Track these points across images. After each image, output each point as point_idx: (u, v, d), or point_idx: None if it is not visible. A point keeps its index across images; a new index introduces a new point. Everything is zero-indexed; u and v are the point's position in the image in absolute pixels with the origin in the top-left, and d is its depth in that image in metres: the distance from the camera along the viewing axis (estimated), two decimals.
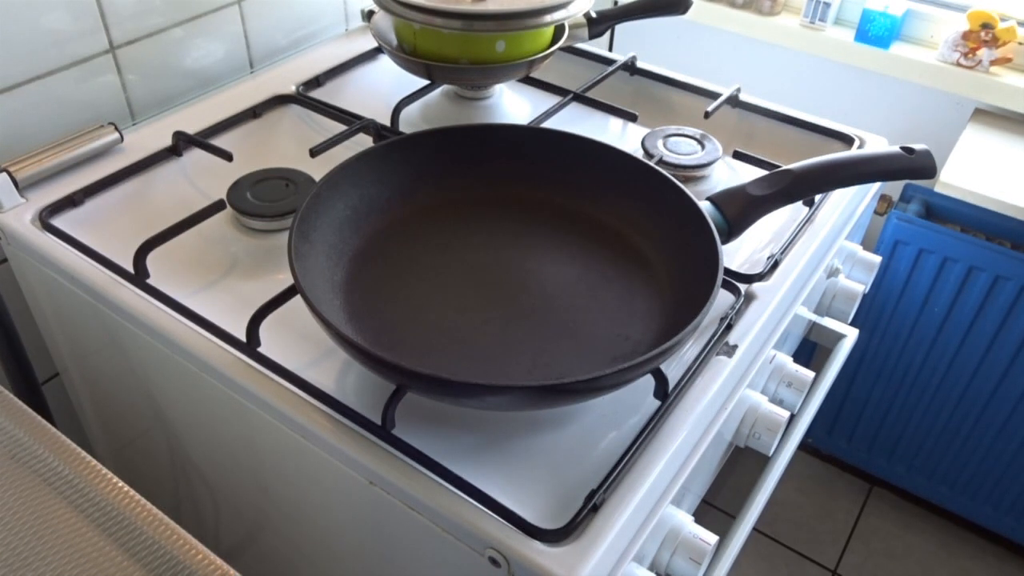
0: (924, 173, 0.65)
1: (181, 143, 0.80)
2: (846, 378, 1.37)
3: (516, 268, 0.64)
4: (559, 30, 0.86)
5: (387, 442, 0.53)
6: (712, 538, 0.57)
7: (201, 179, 0.78)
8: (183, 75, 0.88)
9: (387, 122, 0.82)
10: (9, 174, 0.72)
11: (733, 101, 0.90)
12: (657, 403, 0.57)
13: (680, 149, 0.80)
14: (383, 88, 0.92)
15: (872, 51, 1.24)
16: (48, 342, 0.81)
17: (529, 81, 0.93)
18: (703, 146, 0.81)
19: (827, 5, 1.26)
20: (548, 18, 0.78)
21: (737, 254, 0.72)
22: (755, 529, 1.39)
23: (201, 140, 0.79)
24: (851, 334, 0.85)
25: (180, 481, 0.79)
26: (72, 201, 0.73)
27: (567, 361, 0.57)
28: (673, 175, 0.65)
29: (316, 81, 0.92)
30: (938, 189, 1.08)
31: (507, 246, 0.66)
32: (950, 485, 1.39)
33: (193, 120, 0.83)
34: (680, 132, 0.82)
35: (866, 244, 0.93)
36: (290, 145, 0.83)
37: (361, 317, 0.59)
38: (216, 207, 0.69)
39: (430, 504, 0.50)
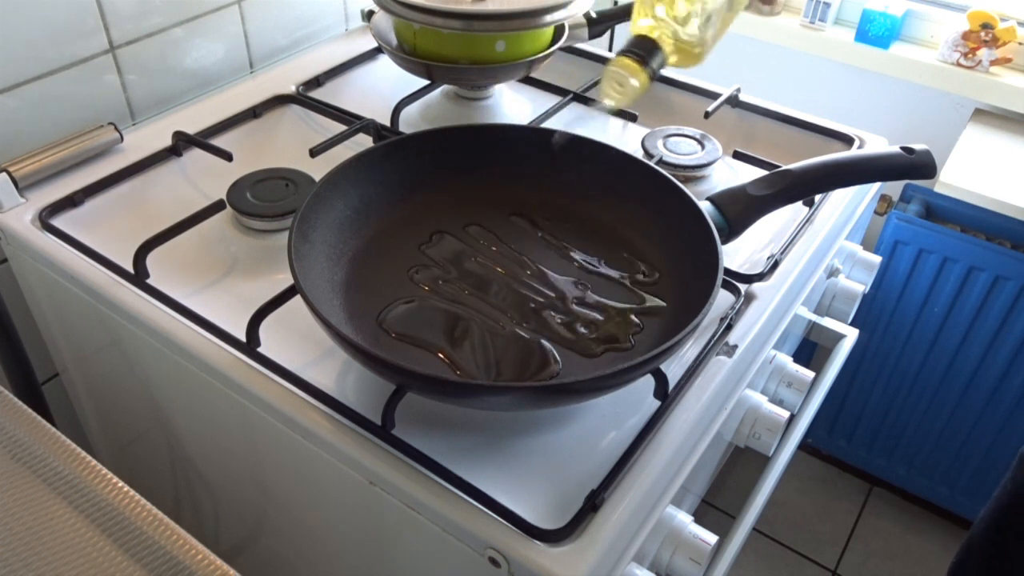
0: (924, 173, 0.65)
1: (181, 143, 0.80)
2: (846, 378, 1.37)
3: (515, 268, 0.64)
4: (559, 30, 0.86)
5: (387, 442, 0.53)
6: (712, 538, 0.57)
7: (201, 179, 0.78)
8: (183, 75, 0.88)
9: (387, 122, 0.82)
10: (9, 174, 0.72)
11: (733, 101, 0.90)
12: (657, 403, 0.57)
13: (680, 149, 0.80)
14: (383, 88, 0.92)
15: (872, 51, 1.24)
16: (48, 342, 0.81)
17: (529, 81, 0.93)
18: (703, 146, 0.81)
19: (827, 5, 1.26)
20: (548, 18, 0.78)
21: (737, 254, 0.72)
22: (755, 529, 1.39)
23: (201, 140, 0.79)
24: (851, 334, 0.85)
25: (180, 481, 0.79)
26: (72, 201, 0.73)
27: (567, 361, 0.57)
28: (673, 175, 0.65)
29: (316, 81, 0.92)
30: (938, 189, 1.08)
31: (506, 246, 0.66)
32: (950, 485, 1.39)
33: (193, 120, 0.83)
34: (680, 132, 0.82)
35: (866, 244, 0.93)
36: (290, 145, 0.83)
37: (361, 317, 0.59)
38: (216, 207, 0.69)
39: (430, 504, 0.50)
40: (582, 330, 0.59)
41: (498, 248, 0.66)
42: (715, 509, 0.91)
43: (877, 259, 0.86)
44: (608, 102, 0.58)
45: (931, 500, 1.44)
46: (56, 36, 0.75)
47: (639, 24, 0.57)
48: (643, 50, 0.56)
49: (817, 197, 0.77)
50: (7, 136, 0.75)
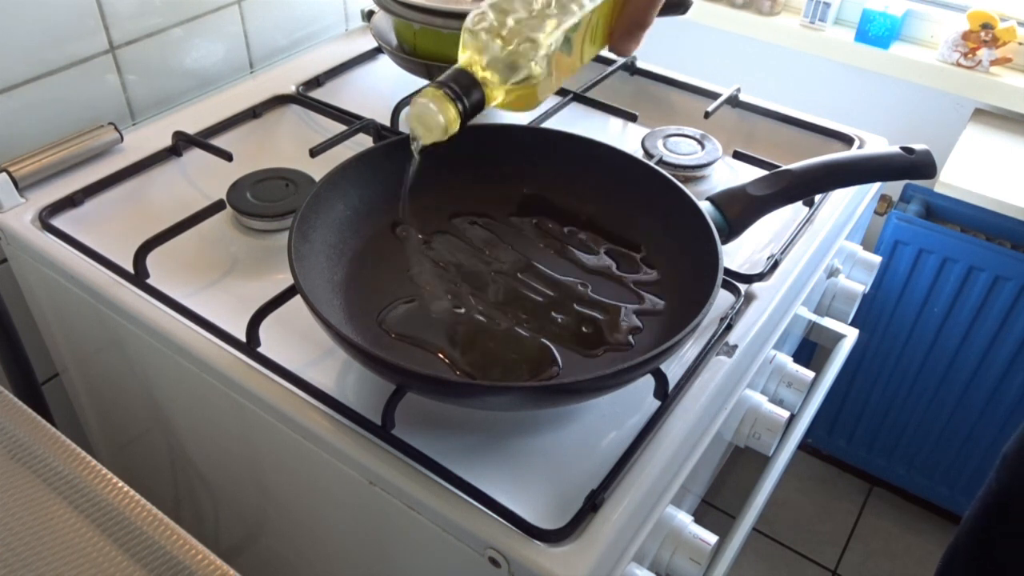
0: (924, 173, 0.65)
1: (181, 143, 0.80)
2: (846, 378, 1.37)
3: (515, 268, 0.64)
4: None
5: (387, 442, 0.53)
6: (712, 538, 0.57)
7: (201, 179, 0.78)
8: (183, 75, 0.88)
9: (387, 122, 0.82)
10: (9, 174, 0.72)
11: (733, 101, 0.90)
12: (657, 403, 0.57)
13: (680, 149, 0.80)
14: (383, 88, 0.92)
15: (872, 51, 1.24)
16: (48, 342, 0.81)
17: None
18: (703, 146, 0.81)
19: (827, 5, 1.26)
20: None
21: (737, 254, 0.72)
22: (755, 529, 1.39)
23: (201, 140, 0.79)
24: (851, 334, 0.85)
25: (180, 481, 0.79)
26: (72, 201, 0.73)
27: (567, 361, 0.57)
28: (673, 175, 0.65)
29: (316, 81, 0.92)
30: (938, 189, 1.08)
31: (506, 246, 0.66)
32: (950, 485, 1.39)
33: (193, 120, 0.83)
34: (680, 132, 0.82)
35: (866, 244, 0.93)
36: (290, 145, 0.83)
37: (361, 317, 0.59)
38: (216, 207, 0.69)
39: (430, 504, 0.50)
40: (582, 330, 0.59)
41: (498, 248, 0.66)
42: (715, 509, 0.91)
43: (877, 259, 0.86)
44: (414, 139, 0.53)
45: (931, 500, 1.44)
46: (56, 36, 0.75)
47: (463, 57, 0.51)
48: (459, 85, 0.50)
49: (817, 197, 0.77)
50: (7, 136, 0.75)
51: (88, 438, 0.90)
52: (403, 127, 0.82)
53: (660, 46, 1.46)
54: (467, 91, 0.49)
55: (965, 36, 1.18)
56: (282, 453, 0.60)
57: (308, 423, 0.55)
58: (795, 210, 0.76)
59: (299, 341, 0.61)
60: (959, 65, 1.19)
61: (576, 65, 0.56)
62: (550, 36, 0.51)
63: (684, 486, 0.58)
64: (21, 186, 0.73)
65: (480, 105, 0.50)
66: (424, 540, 0.53)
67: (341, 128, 0.81)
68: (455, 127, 0.50)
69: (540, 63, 0.51)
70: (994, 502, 0.83)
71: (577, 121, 0.88)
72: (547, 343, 0.58)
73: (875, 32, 1.23)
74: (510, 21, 0.50)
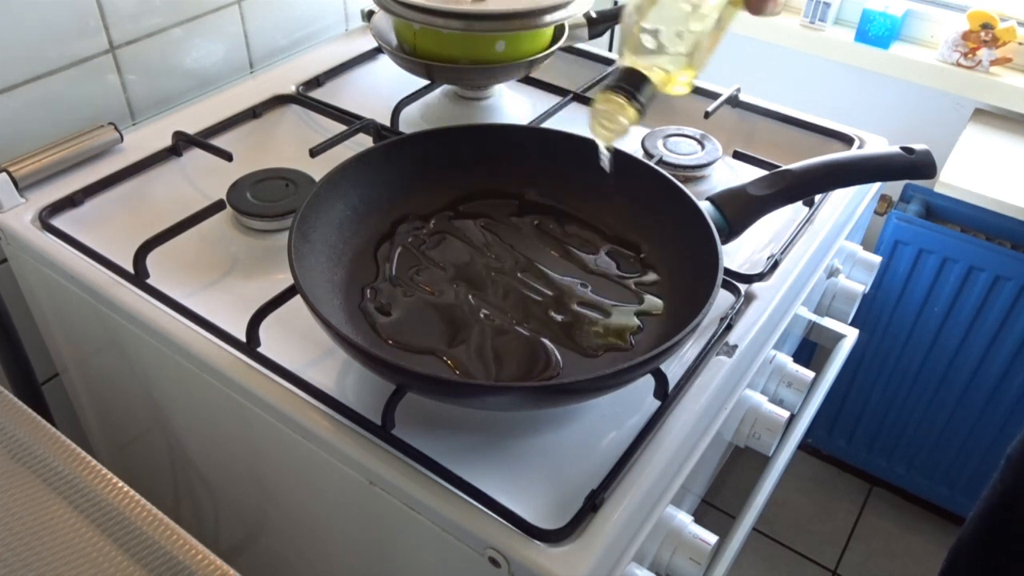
0: (924, 173, 0.65)
1: (181, 143, 0.80)
2: (846, 378, 1.37)
3: (515, 268, 0.64)
4: (559, 30, 0.86)
5: (387, 442, 0.53)
6: (712, 538, 0.57)
7: (201, 179, 0.78)
8: (183, 75, 0.88)
9: (387, 122, 0.82)
10: (9, 174, 0.72)
11: (733, 101, 0.89)
12: (657, 403, 0.57)
13: (680, 149, 0.80)
14: (383, 88, 0.92)
15: (872, 51, 1.24)
16: (48, 342, 0.81)
17: (529, 81, 0.93)
18: (703, 146, 0.81)
19: (827, 5, 1.26)
20: (548, 18, 0.78)
21: (737, 254, 0.72)
22: (755, 529, 1.39)
23: (201, 140, 0.79)
24: (851, 334, 0.85)
25: (180, 481, 0.79)
26: (72, 201, 0.73)
27: (567, 361, 0.57)
28: (673, 175, 0.65)
29: (316, 81, 0.92)
30: (938, 189, 1.08)
31: (507, 246, 0.66)
32: (950, 485, 1.39)
33: (193, 120, 0.83)
34: (680, 132, 0.82)
35: (866, 244, 0.93)
36: (290, 145, 0.83)
37: (361, 317, 0.59)
38: (216, 207, 0.69)
39: (430, 504, 0.50)
40: (582, 330, 0.59)
41: (498, 248, 0.66)
42: (715, 509, 0.91)
43: (877, 259, 0.86)
44: (599, 141, 0.56)
45: (931, 500, 1.44)
46: (56, 36, 0.75)
47: (627, 54, 0.54)
48: (630, 84, 0.53)
49: (817, 197, 0.77)
50: (7, 136, 0.75)
51: (88, 438, 0.90)
52: (403, 127, 0.82)
53: None
54: (639, 88, 0.53)
55: (965, 36, 1.18)
56: (282, 453, 0.60)
57: (308, 423, 0.55)
58: (795, 210, 0.76)
59: (299, 341, 0.61)
60: (959, 65, 1.19)
61: (720, 38, 0.58)
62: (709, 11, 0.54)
63: (684, 486, 0.58)
64: (21, 186, 0.73)
65: (652, 97, 0.54)
66: (424, 540, 0.53)
67: (341, 128, 0.81)
68: (636, 122, 0.55)
69: (702, 50, 0.54)
70: (999, 503, 0.83)
71: (577, 121, 0.88)
72: (547, 343, 0.58)
73: (875, 32, 1.23)
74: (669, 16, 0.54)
